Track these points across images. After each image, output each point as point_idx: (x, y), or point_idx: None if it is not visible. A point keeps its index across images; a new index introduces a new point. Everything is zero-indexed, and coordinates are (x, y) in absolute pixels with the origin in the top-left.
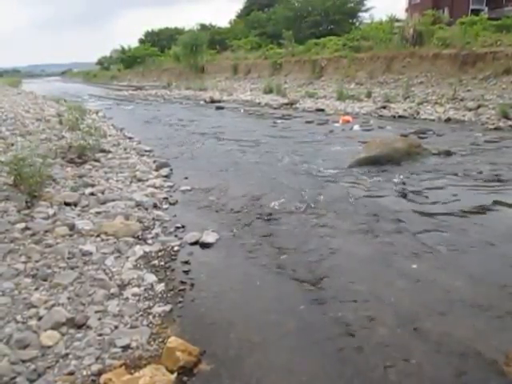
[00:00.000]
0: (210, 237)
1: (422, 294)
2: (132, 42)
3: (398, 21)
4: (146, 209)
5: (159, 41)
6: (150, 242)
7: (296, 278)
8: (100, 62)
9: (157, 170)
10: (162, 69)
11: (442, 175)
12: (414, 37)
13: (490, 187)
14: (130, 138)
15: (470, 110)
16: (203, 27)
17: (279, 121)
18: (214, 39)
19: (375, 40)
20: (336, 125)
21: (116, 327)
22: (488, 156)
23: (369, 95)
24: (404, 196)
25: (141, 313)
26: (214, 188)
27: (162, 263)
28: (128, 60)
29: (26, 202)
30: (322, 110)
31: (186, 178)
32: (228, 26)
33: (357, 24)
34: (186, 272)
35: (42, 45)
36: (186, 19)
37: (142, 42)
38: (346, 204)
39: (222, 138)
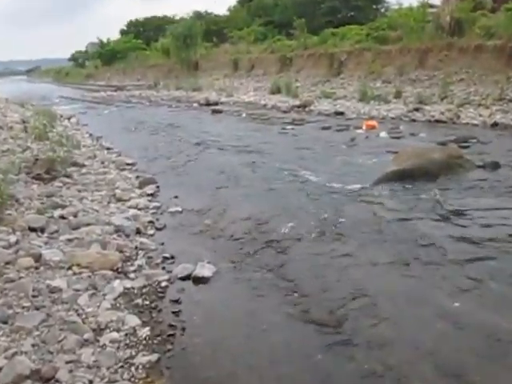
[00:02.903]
0: (205, 270)
1: (467, 340)
2: (112, 34)
3: (431, 6)
4: (128, 235)
5: (144, 32)
6: (132, 276)
7: (312, 320)
8: (74, 58)
9: (140, 187)
10: (147, 65)
11: (488, 192)
12: (452, 25)
13: None
14: (108, 149)
15: None
16: (197, 15)
17: (289, 127)
18: (210, 29)
19: (405, 29)
20: (359, 131)
21: (91, 382)
22: None
23: (398, 95)
24: (443, 218)
25: (121, 364)
26: (209, 209)
27: (147, 302)
28: (107, 55)
29: None
30: (342, 114)
31: (176, 198)
32: (227, 13)
33: (382, 10)
34: (177, 313)
35: (5, 39)
36: (177, 6)
37: (123, 33)
38: (372, 229)
39: (220, 149)
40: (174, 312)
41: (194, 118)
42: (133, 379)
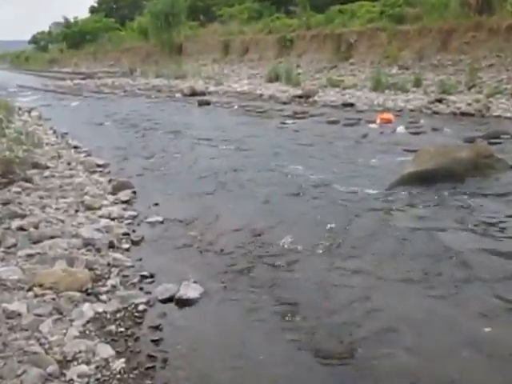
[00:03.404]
0: (190, 290)
1: (500, 371)
2: (80, 12)
3: None
4: (99, 250)
5: (118, 9)
6: (104, 298)
7: (317, 350)
8: (35, 41)
9: (114, 193)
10: (121, 49)
11: None
12: (480, 2)
13: None
14: (75, 148)
15: None
16: None
17: (290, 121)
18: (196, 7)
19: (425, 6)
20: (372, 126)
21: None
22: None
23: (418, 84)
24: (470, 229)
25: None
26: (196, 219)
27: (122, 329)
28: (74, 37)
29: None
30: (352, 105)
31: (156, 205)
32: None
33: None
34: (157, 342)
35: None
36: None
37: (93, 11)
38: (388, 241)
39: (208, 147)
40: (153, 340)
41: (177, 111)
42: None
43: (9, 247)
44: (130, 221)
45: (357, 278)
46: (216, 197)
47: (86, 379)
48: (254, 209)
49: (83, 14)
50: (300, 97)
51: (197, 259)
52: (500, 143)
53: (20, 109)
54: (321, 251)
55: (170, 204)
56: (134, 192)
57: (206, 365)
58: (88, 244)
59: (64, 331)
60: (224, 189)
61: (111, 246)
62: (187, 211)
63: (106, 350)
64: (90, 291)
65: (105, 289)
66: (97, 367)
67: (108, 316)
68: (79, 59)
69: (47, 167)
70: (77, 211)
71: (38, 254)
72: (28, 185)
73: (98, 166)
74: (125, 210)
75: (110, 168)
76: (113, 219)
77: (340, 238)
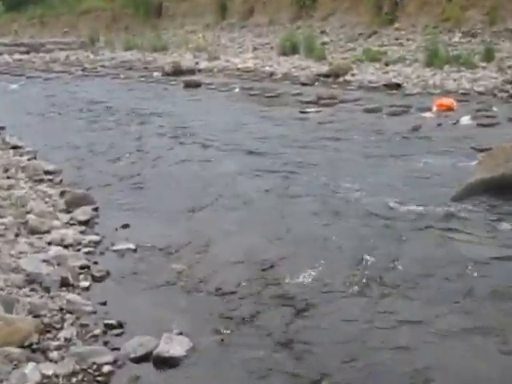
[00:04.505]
0: (174, 345)
1: None
2: None
3: None
4: (48, 289)
5: None
6: (54, 356)
7: None
8: None
9: (68, 210)
10: (79, 11)
11: None
12: None
13: None
14: (15, 148)
15: None
16: None
17: (312, 110)
18: None
19: None
20: (426, 115)
21: None
22: None
23: (489, 57)
24: None
25: None
26: (181, 245)
27: None
28: None
29: None
30: (398, 87)
31: (127, 227)
32: None
33: None
34: None
35: None
36: None
37: None
38: (451, 278)
39: (198, 147)
40: None
41: (155, 96)
42: None
43: None
44: (90, 249)
45: (401, 329)
46: (209, 215)
47: None
48: (260, 231)
49: None
50: (326, 75)
51: (183, 302)
52: None
53: None
54: (354, 292)
55: (146, 225)
56: (96, 209)
57: None
58: (32, 281)
59: None
60: (219, 204)
61: (64, 283)
62: (169, 235)
63: None
64: (35, 346)
65: (56, 343)
66: None
67: (60, 381)
68: (21, 26)
69: None
70: (17, 236)
71: None
72: None
73: (47, 172)
74: (83, 233)
75: (63, 176)
76: (66, 247)
77: (382, 274)
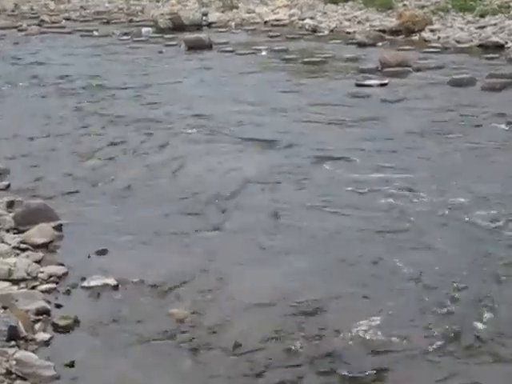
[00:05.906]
0: None
1: None
2: None
3: None
4: None
5: None
6: None
7: None
8: None
9: (19, 228)
10: None
11: None
12: None
13: None
14: None
15: None
16: None
17: (373, 82)
18: None
19: None
20: None
21: None
22: None
23: None
24: None
25: None
26: (181, 281)
27: None
28: None
29: None
30: (500, 48)
31: (103, 253)
32: None
33: None
34: None
35: None
36: None
37: None
38: None
39: (204, 137)
40: None
41: (145, 62)
42: None
43: None
44: (50, 285)
45: None
46: (219, 237)
47: None
48: (294, 261)
49: None
50: (394, 32)
51: (185, 366)
52: None
53: None
54: (440, 353)
55: (131, 250)
56: (60, 227)
57: None
58: None
59: None
60: (234, 224)
61: (13, 336)
62: (164, 265)
63: None
64: None
65: None
66: None
67: None
68: None
69: None
70: None
71: None
72: None
73: None
74: (41, 262)
75: (11, 178)
76: (16, 282)
77: (479, 328)
